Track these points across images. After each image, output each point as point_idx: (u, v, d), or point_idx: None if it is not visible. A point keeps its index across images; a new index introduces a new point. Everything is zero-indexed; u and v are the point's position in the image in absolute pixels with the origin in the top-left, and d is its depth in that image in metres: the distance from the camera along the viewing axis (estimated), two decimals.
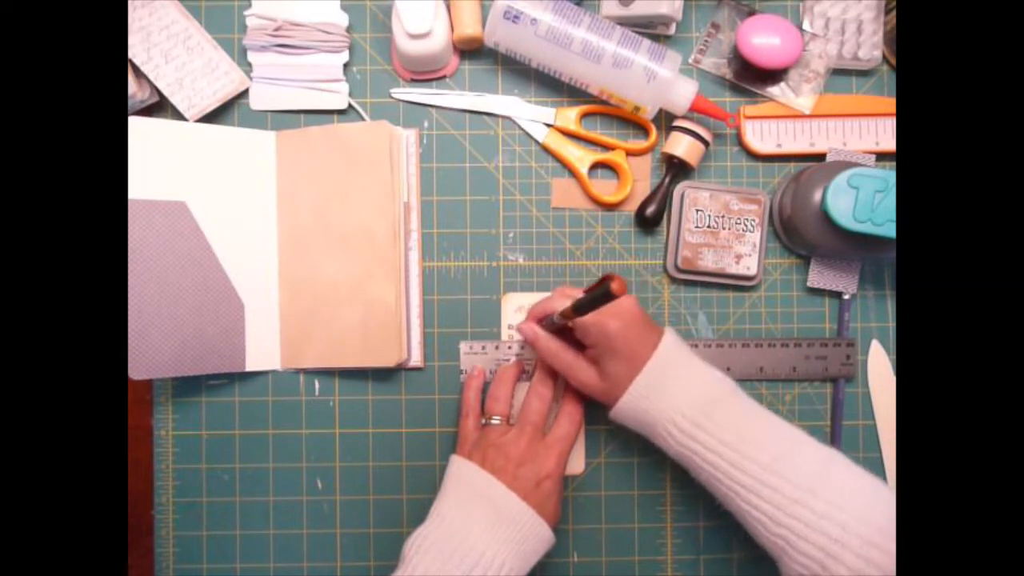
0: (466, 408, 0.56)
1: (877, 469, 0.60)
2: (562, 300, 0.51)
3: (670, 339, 0.50)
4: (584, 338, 0.51)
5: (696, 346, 0.59)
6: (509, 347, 0.59)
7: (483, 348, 0.59)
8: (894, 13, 0.59)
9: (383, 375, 0.60)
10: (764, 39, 0.57)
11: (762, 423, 0.48)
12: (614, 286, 0.41)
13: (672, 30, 0.60)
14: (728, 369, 0.59)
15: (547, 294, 0.60)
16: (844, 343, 0.60)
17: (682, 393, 0.48)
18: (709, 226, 0.59)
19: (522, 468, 0.50)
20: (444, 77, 0.61)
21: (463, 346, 0.59)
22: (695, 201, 0.59)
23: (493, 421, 0.54)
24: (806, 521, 0.43)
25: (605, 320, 0.49)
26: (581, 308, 0.46)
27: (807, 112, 0.60)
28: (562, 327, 0.52)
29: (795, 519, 0.43)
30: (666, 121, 0.60)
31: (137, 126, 0.55)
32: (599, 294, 0.43)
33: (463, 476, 0.51)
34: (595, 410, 0.60)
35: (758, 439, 0.47)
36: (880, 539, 0.41)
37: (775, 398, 0.60)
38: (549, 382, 0.55)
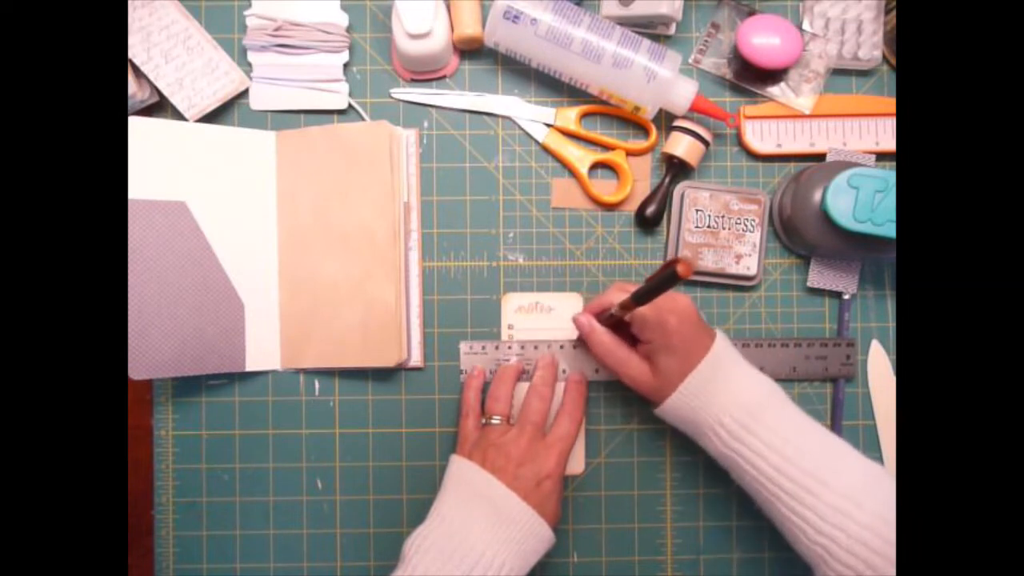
0: (466, 408, 0.56)
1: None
2: (619, 294, 0.51)
3: (722, 341, 0.51)
4: (641, 332, 0.51)
5: None
6: (509, 347, 0.59)
7: (483, 348, 0.59)
8: (894, 13, 0.59)
9: (383, 375, 0.60)
10: (764, 39, 0.57)
11: (809, 431, 0.48)
12: (680, 268, 0.40)
13: (672, 30, 0.60)
14: None
15: (546, 293, 0.60)
16: (844, 343, 0.60)
17: (731, 395, 0.49)
18: (709, 226, 0.59)
19: (522, 468, 0.50)
20: (444, 77, 0.61)
21: (463, 346, 0.59)
22: (695, 201, 0.59)
23: (493, 421, 0.54)
24: (848, 531, 0.43)
25: (664, 315, 0.49)
26: (643, 296, 0.47)
27: (807, 112, 0.60)
28: (615, 324, 0.52)
29: (838, 529, 0.43)
30: (666, 121, 0.60)
31: (137, 126, 0.55)
32: (664, 279, 0.43)
33: (463, 476, 0.51)
34: (595, 410, 0.60)
35: (805, 446, 0.47)
36: None
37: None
38: (549, 382, 0.55)
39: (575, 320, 0.55)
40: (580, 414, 0.55)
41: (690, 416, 0.50)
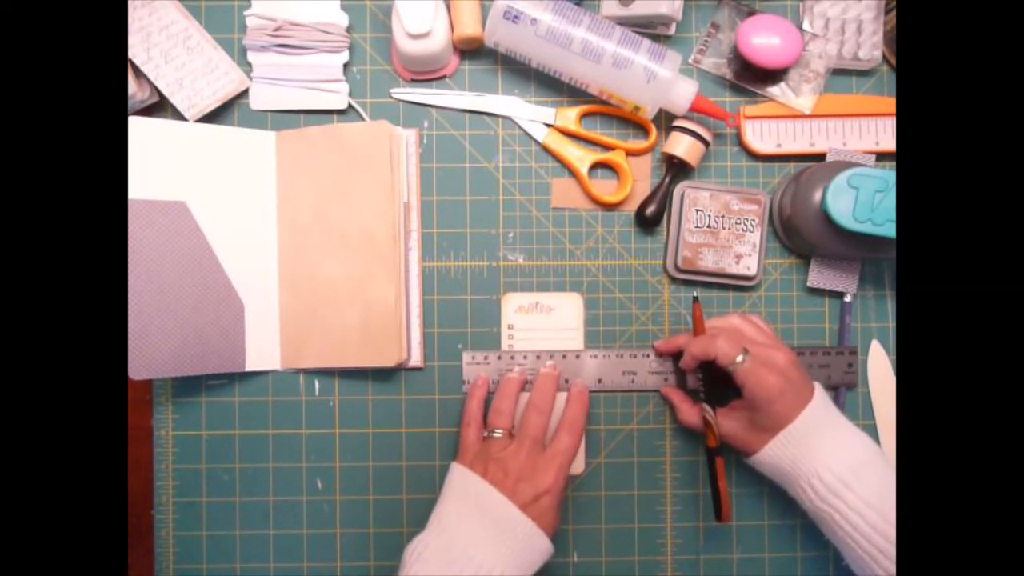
0: (468, 417, 0.56)
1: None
2: (730, 348, 0.51)
3: (820, 399, 0.51)
4: (741, 389, 0.51)
5: None
6: (511, 357, 0.59)
7: (485, 358, 0.59)
8: (894, 13, 0.59)
9: (383, 375, 0.60)
10: (764, 39, 0.57)
11: None
12: (723, 513, 0.52)
13: (672, 30, 0.60)
14: None
15: (546, 294, 0.60)
16: (847, 351, 0.59)
17: (830, 451, 0.49)
18: (709, 226, 0.59)
19: (521, 483, 0.50)
20: (444, 77, 0.61)
21: (466, 356, 0.59)
22: (695, 201, 0.59)
23: (496, 434, 0.54)
24: None
25: (767, 379, 0.50)
26: (709, 463, 0.54)
27: (807, 112, 0.60)
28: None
29: None
30: (666, 121, 0.60)
31: (137, 126, 0.55)
32: (714, 497, 0.53)
33: (465, 485, 0.51)
34: (595, 411, 0.60)
35: None
36: None
37: None
38: (549, 396, 0.55)
39: (664, 393, 0.59)
40: (581, 427, 0.54)
41: (785, 468, 0.50)
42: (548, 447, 0.53)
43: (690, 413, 0.56)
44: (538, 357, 0.59)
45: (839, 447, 0.49)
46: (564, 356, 0.59)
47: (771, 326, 0.57)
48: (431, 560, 0.47)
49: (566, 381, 0.59)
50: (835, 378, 0.59)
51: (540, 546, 0.49)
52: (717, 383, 0.54)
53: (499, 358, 0.59)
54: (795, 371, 0.51)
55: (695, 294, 0.58)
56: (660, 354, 0.59)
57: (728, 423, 0.53)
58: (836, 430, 0.50)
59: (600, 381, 0.59)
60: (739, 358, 0.50)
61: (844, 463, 0.48)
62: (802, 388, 0.51)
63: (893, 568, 0.45)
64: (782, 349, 0.52)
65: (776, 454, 0.50)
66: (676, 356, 0.59)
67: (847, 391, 0.60)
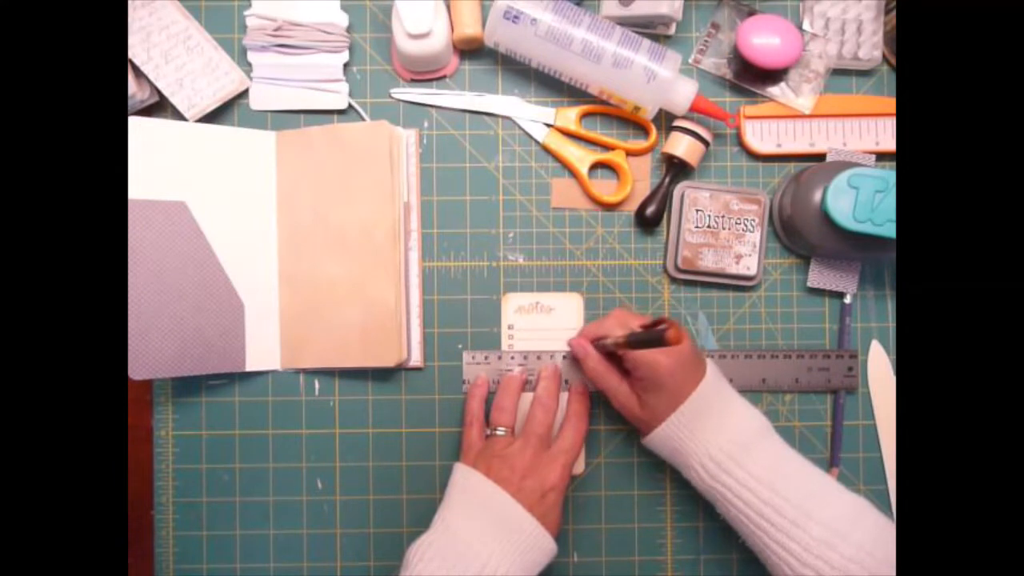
0: (470, 417, 0.56)
1: (877, 469, 0.60)
2: (617, 326, 0.52)
3: (711, 377, 0.51)
4: (633, 369, 0.51)
5: None
6: (512, 357, 0.59)
7: (485, 358, 0.59)
8: (894, 13, 0.59)
9: (383, 375, 0.60)
10: (764, 39, 0.57)
11: (795, 465, 0.49)
12: (670, 334, 0.42)
13: (672, 30, 0.60)
14: (731, 380, 0.59)
15: (546, 294, 0.60)
16: (847, 355, 0.59)
17: (718, 431, 0.49)
18: (709, 226, 0.59)
19: (527, 480, 0.50)
20: (444, 77, 0.61)
21: (466, 356, 0.59)
22: (695, 201, 0.59)
23: (498, 432, 0.54)
24: (833, 564, 0.43)
25: (657, 357, 0.50)
26: (634, 344, 0.48)
27: (807, 112, 0.60)
28: (609, 353, 0.53)
29: (822, 560, 0.44)
30: (666, 121, 0.60)
31: (137, 126, 0.55)
32: (654, 337, 0.44)
33: (468, 485, 0.51)
34: (595, 410, 0.60)
35: (791, 479, 0.47)
36: None
37: (776, 398, 0.60)
38: (553, 393, 0.55)
39: (570, 343, 0.56)
40: (584, 425, 0.55)
41: (677, 447, 0.50)
42: (553, 445, 0.53)
43: (599, 363, 0.54)
44: (538, 357, 0.59)
45: (728, 424, 0.49)
46: (564, 356, 0.59)
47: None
48: (435, 559, 0.47)
49: (566, 382, 0.59)
50: (835, 381, 0.59)
51: (544, 545, 0.49)
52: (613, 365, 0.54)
53: (499, 358, 0.59)
54: (687, 351, 0.51)
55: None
56: (574, 350, 0.56)
57: (626, 395, 0.53)
58: (726, 408, 0.50)
59: None
60: (622, 336, 0.50)
61: (732, 440, 0.49)
62: (694, 368, 0.51)
63: (787, 541, 0.45)
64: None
65: (668, 434, 0.50)
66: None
67: (847, 394, 0.60)
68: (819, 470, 0.49)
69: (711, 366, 0.52)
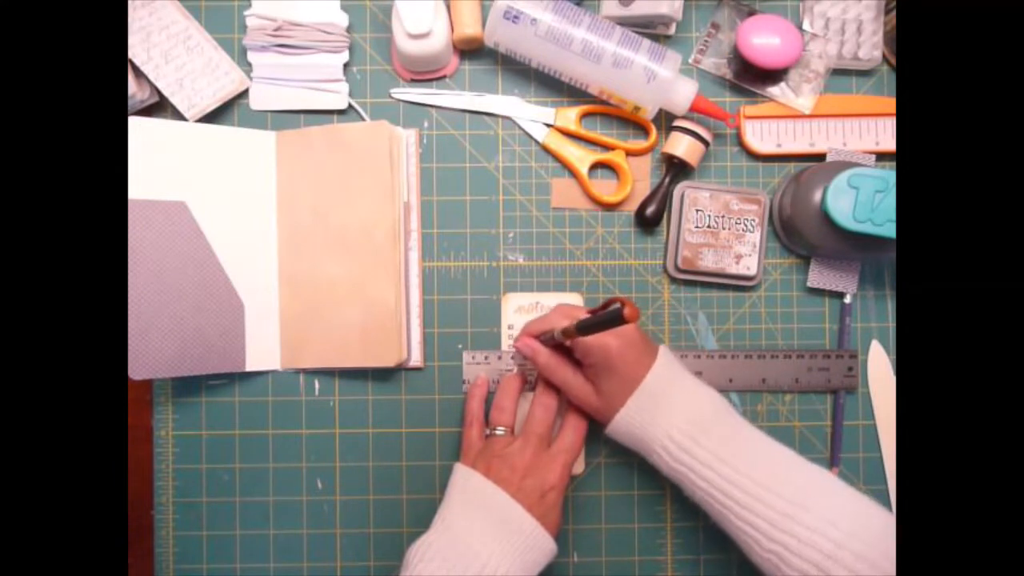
0: (470, 417, 0.56)
1: (877, 469, 0.60)
2: (561, 319, 0.52)
3: (664, 359, 0.51)
4: (583, 357, 0.51)
5: (699, 357, 0.59)
6: (512, 357, 0.59)
7: (485, 358, 0.59)
8: (894, 13, 0.59)
9: (383, 375, 0.60)
10: (764, 39, 0.57)
11: (756, 441, 0.49)
12: (627, 312, 0.40)
13: (672, 30, 0.60)
14: (731, 380, 0.59)
15: (546, 294, 0.60)
16: (847, 355, 0.59)
17: (676, 412, 0.49)
18: (709, 226, 0.59)
19: (527, 479, 0.50)
20: (444, 77, 0.61)
21: (466, 356, 0.59)
22: (695, 201, 0.59)
23: (498, 432, 0.54)
24: (799, 536, 0.43)
25: (606, 340, 0.49)
26: (586, 328, 0.47)
27: (807, 112, 0.60)
28: (560, 344, 0.52)
29: (787, 534, 0.44)
30: (666, 121, 0.60)
31: (137, 126, 0.55)
32: (609, 317, 0.43)
33: (468, 485, 0.51)
34: None
35: (752, 456, 0.47)
36: (872, 554, 0.42)
37: (776, 398, 0.60)
38: (553, 393, 0.55)
39: (516, 346, 0.55)
40: (584, 424, 0.54)
41: (638, 434, 0.50)
42: (553, 444, 0.53)
43: (549, 359, 0.53)
44: None
45: (686, 404, 0.49)
46: None
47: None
48: (435, 559, 0.47)
49: None
50: (835, 381, 0.59)
51: (544, 546, 0.49)
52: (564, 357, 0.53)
53: (499, 358, 0.59)
54: (635, 334, 0.50)
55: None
56: (521, 350, 0.55)
57: (582, 387, 0.52)
58: (681, 388, 0.50)
59: None
60: (571, 324, 0.48)
61: (692, 420, 0.48)
62: (644, 351, 0.50)
63: (752, 517, 0.45)
64: None
65: (628, 420, 0.50)
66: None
67: (847, 394, 0.60)
68: (780, 445, 0.48)
69: (663, 349, 0.51)
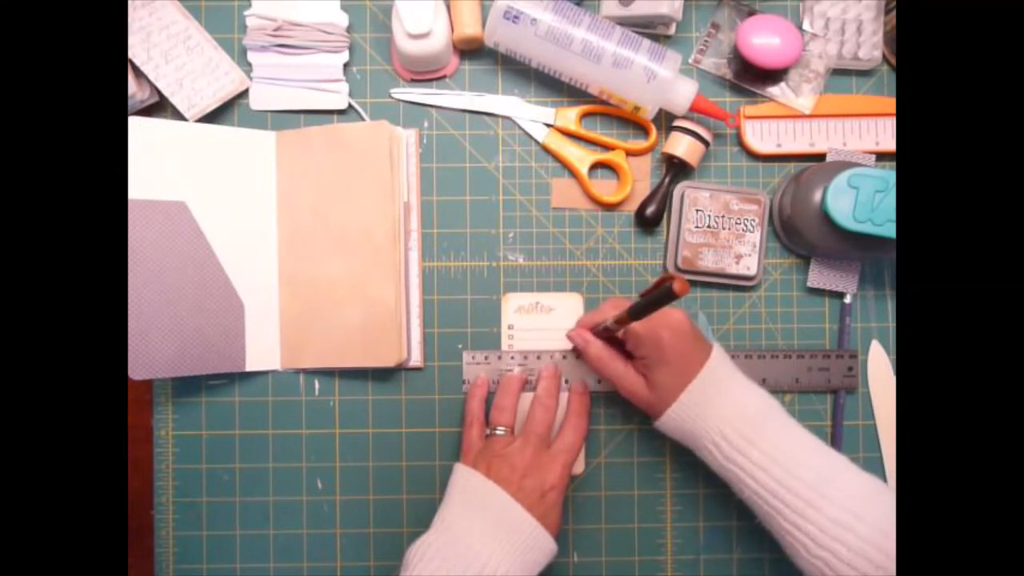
0: (470, 417, 0.56)
1: (877, 469, 0.60)
2: (612, 309, 0.52)
3: (718, 354, 0.51)
4: (636, 348, 0.51)
5: None
6: (511, 357, 0.59)
7: (485, 358, 0.59)
8: (894, 13, 0.59)
9: (383, 375, 0.60)
10: (764, 39, 0.57)
11: (809, 443, 0.48)
12: (676, 286, 0.40)
13: (672, 30, 0.60)
14: None
15: (546, 293, 0.60)
16: (847, 355, 0.59)
17: (731, 408, 0.49)
18: (709, 226, 0.59)
19: (527, 479, 0.50)
20: (444, 77, 0.61)
21: (466, 356, 0.59)
22: (695, 201, 0.59)
23: (498, 431, 0.54)
24: (849, 545, 0.43)
25: (658, 330, 0.49)
26: (638, 311, 0.46)
27: (807, 112, 0.60)
28: (610, 337, 0.52)
29: (838, 542, 0.43)
30: (666, 121, 0.60)
31: (137, 126, 0.55)
32: (660, 295, 0.42)
33: (468, 485, 0.51)
34: (595, 410, 0.60)
35: (806, 460, 0.47)
36: None
37: (776, 397, 0.60)
38: (553, 392, 0.55)
39: (569, 336, 0.55)
40: (584, 425, 0.54)
41: (689, 428, 0.50)
42: (553, 444, 0.53)
43: (601, 350, 0.53)
44: (538, 357, 0.59)
45: (739, 403, 0.49)
46: (564, 356, 0.59)
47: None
48: (435, 559, 0.47)
49: (566, 381, 0.59)
50: (835, 381, 0.59)
51: (544, 546, 0.49)
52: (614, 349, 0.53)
53: (499, 358, 0.59)
54: (687, 326, 0.50)
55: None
56: (575, 342, 0.55)
57: (633, 379, 0.52)
58: (735, 386, 0.50)
59: (600, 381, 0.59)
60: (622, 312, 0.49)
61: (746, 419, 0.48)
62: (697, 345, 0.50)
63: (802, 522, 0.45)
64: (676, 310, 0.51)
65: (680, 415, 0.50)
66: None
67: (847, 394, 0.60)
68: (832, 449, 0.48)
69: (717, 346, 0.51)
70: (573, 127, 0.60)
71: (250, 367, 0.59)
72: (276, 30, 0.58)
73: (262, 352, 0.59)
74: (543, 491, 0.50)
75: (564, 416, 0.55)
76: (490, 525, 0.48)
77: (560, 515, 0.51)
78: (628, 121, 0.61)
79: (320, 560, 0.59)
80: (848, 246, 0.55)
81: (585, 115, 0.61)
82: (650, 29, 0.60)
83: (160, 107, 0.60)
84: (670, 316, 0.50)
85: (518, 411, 0.56)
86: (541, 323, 0.60)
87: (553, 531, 0.50)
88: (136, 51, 0.56)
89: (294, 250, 0.59)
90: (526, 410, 0.55)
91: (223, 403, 0.59)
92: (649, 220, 0.59)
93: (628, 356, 0.53)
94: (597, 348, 0.53)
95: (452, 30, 0.59)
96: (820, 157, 0.60)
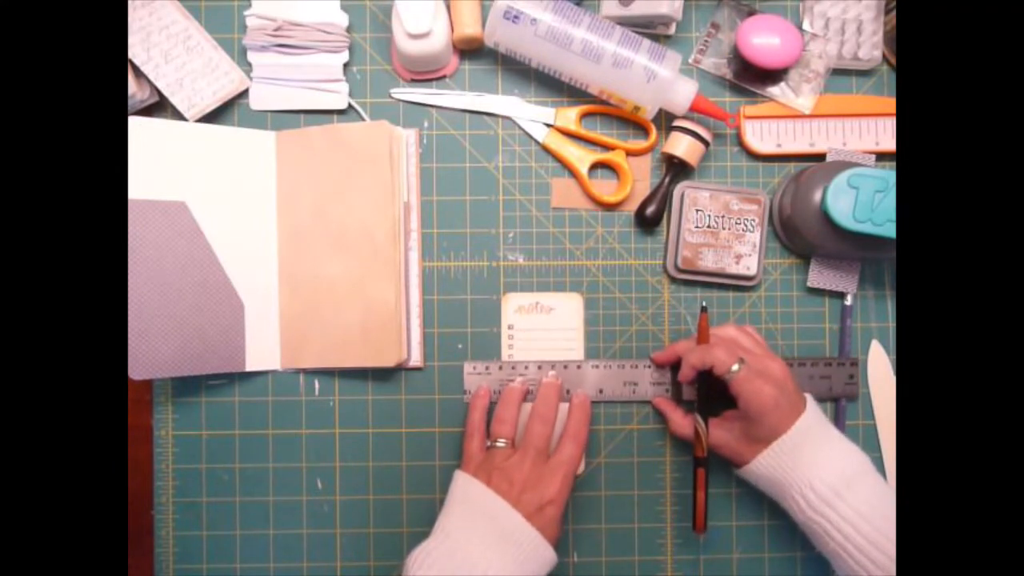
0: (471, 428, 0.56)
1: (877, 469, 0.59)
2: (726, 356, 0.51)
3: (813, 408, 0.51)
4: (736, 399, 0.52)
5: None
6: (512, 367, 0.59)
7: (486, 368, 0.59)
8: (894, 13, 0.59)
9: (383, 375, 0.60)
10: (764, 39, 0.57)
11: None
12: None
13: (672, 30, 0.60)
14: None
15: (546, 294, 0.60)
16: (848, 363, 0.59)
17: (821, 463, 0.49)
18: (709, 226, 0.59)
19: (525, 494, 0.50)
20: (444, 77, 0.61)
21: (467, 366, 0.59)
22: (695, 201, 0.59)
23: (499, 444, 0.53)
24: None
25: (763, 389, 0.50)
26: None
27: (807, 112, 0.60)
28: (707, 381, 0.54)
29: None
30: (666, 121, 0.60)
31: (137, 126, 0.55)
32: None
33: (468, 494, 0.51)
34: (596, 411, 0.60)
35: (895, 517, 0.47)
36: None
37: None
38: (552, 405, 0.55)
39: (657, 404, 0.59)
40: (584, 436, 0.54)
41: (778, 478, 0.50)
42: (552, 457, 0.53)
43: (682, 424, 0.57)
44: (539, 367, 0.59)
45: (831, 458, 0.49)
46: (565, 366, 0.59)
47: (764, 338, 0.57)
48: (433, 567, 0.47)
49: (567, 392, 0.58)
50: (836, 389, 0.59)
51: (544, 556, 0.49)
52: (713, 394, 0.54)
53: (500, 368, 0.59)
54: (789, 382, 0.52)
55: (703, 304, 0.58)
56: (659, 364, 0.59)
57: (720, 433, 0.54)
58: (828, 441, 0.51)
59: (601, 391, 0.59)
60: (735, 367, 0.51)
61: (836, 474, 0.48)
62: (795, 399, 0.51)
63: None
64: (776, 360, 0.52)
65: (768, 464, 0.51)
66: (675, 366, 0.58)
67: (848, 402, 0.60)
68: None
69: (810, 400, 0.52)
70: (573, 127, 0.60)
71: (250, 367, 0.59)
72: (276, 30, 0.58)
73: (262, 352, 0.59)
74: (541, 504, 0.50)
75: (564, 427, 0.54)
76: (490, 534, 0.48)
77: (560, 527, 0.51)
78: (628, 121, 0.61)
79: (320, 560, 0.59)
80: (848, 246, 0.55)
81: (585, 115, 0.61)
82: (650, 29, 0.60)
83: (160, 107, 0.60)
84: (772, 370, 0.51)
85: (520, 422, 0.56)
86: (541, 323, 0.60)
87: (552, 541, 0.50)
88: (136, 51, 0.56)
89: (294, 250, 0.59)
90: (526, 423, 0.55)
91: (223, 403, 0.59)
92: (649, 220, 0.59)
93: (729, 397, 0.53)
94: (678, 427, 0.57)
95: (452, 30, 0.59)
96: (820, 157, 0.60)
